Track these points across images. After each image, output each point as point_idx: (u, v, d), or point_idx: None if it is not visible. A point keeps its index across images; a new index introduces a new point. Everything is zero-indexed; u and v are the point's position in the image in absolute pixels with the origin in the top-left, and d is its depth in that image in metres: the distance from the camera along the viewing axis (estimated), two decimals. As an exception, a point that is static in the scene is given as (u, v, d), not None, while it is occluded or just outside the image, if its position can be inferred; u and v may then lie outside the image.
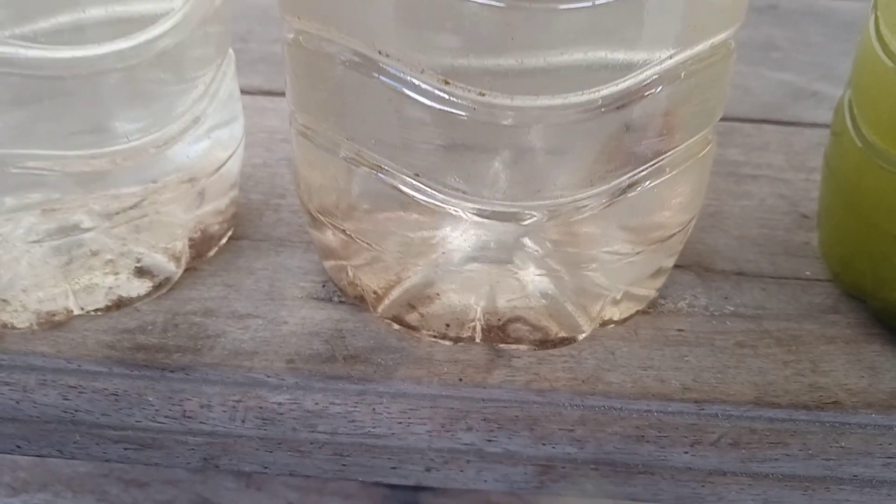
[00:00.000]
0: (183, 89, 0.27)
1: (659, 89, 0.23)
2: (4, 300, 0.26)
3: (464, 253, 0.26)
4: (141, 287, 0.28)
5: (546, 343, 0.27)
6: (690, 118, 0.25)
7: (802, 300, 0.30)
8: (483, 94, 0.22)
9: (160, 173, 0.27)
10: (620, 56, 0.22)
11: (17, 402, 0.25)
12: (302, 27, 0.24)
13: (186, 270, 0.29)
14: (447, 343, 0.27)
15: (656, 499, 0.27)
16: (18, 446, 0.26)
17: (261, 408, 0.26)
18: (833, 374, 0.27)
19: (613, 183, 0.24)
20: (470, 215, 0.24)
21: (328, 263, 0.29)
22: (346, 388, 0.26)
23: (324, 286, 0.29)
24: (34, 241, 0.26)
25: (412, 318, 0.27)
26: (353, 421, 0.26)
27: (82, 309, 0.27)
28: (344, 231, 0.27)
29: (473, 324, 0.27)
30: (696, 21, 0.23)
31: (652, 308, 0.29)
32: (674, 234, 0.28)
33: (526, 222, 0.25)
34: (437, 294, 0.27)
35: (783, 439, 0.26)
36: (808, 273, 0.31)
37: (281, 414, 0.26)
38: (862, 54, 0.28)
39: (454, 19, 0.21)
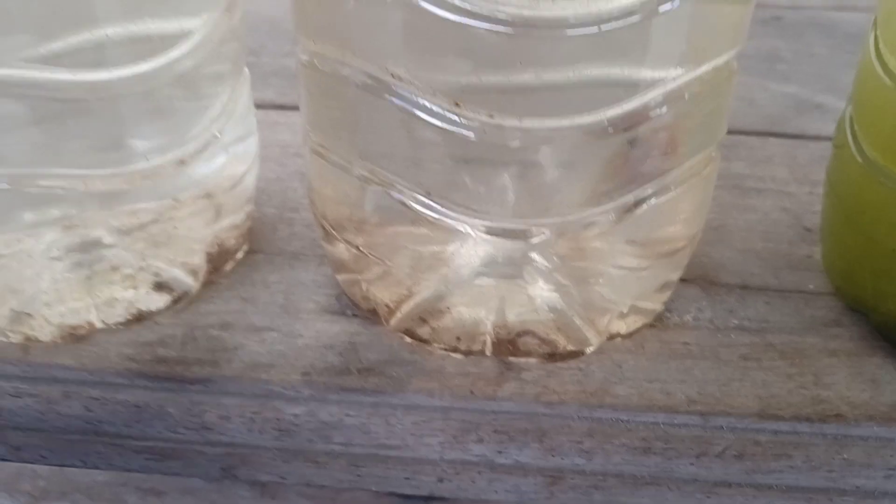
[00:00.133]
0: (201, 107, 0.28)
1: (663, 110, 0.24)
2: (28, 314, 0.27)
3: (473, 267, 0.27)
4: (160, 301, 0.29)
5: (555, 356, 0.28)
6: (694, 137, 0.26)
7: (805, 313, 0.30)
8: (492, 116, 0.22)
9: (178, 190, 0.28)
10: (626, 78, 0.23)
11: (42, 414, 0.26)
12: (317, 49, 0.25)
13: (204, 284, 0.30)
14: (458, 356, 0.28)
15: (663, 508, 0.28)
16: (43, 456, 0.27)
17: (278, 419, 0.26)
18: (835, 387, 0.27)
19: (619, 201, 0.25)
20: (479, 232, 0.25)
21: (341, 277, 0.30)
22: (361, 401, 0.26)
23: (337, 300, 0.30)
24: (55, 258, 0.27)
25: (424, 331, 0.28)
26: (368, 432, 0.26)
27: (103, 322, 0.28)
28: (356, 246, 0.28)
29: (484, 337, 0.27)
30: (700, 43, 0.24)
31: (658, 322, 0.30)
32: (680, 249, 0.29)
33: (534, 239, 0.25)
34: (448, 308, 0.27)
35: (787, 451, 0.26)
36: (811, 286, 0.31)
37: (297, 425, 0.26)
38: (862, 71, 0.29)
39: (464, 44, 0.22)
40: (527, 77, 0.22)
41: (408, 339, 0.28)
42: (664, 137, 0.24)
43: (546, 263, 0.27)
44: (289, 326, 0.28)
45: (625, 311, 0.28)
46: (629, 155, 0.24)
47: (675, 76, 0.24)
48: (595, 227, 0.26)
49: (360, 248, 0.28)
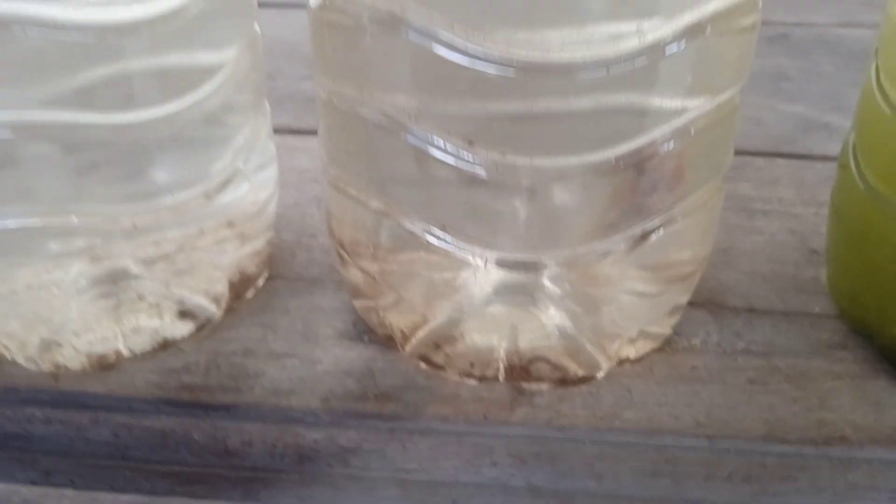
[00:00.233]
0: (226, 141, 0.29)
1: (670, 145, 0.25)
2: (57, 343, 0.28)
3: (486, 295, 0.28)
4: (184, 328, 0.30)
5: (566, 381, 0.28)
6: (700, 170, 0.26)
7: (811, 336, 0.31)
8: (504, 155, 0.23)
9: (203, 220, 0.29)
10: (633, 117, 0.24)
11: (72, 440, 0.27)
12: (335, 88, 0.26)
13: (226, 311, 0.31)
14: (472, 382, 0.28)
15: (672, 529, 0.29)
16: (72, 481, 0.28)
17: (298, 444, 0.27)
18: (840, 410, 0.28)
19: (627, 233, 0.26)
20: (491, 265, 0.26)
21: (358, 303, 0.31)
22: (378, 426, 0.27)
23: (354, 325, 0.31)
24: (83, 288, 0.28)
25: (438, 357, 0.29)
26: (385, 457, 0.27)
27: (130, 350, 0.29)
28: (371, 273, 0.29)
29: (497, 363, 0.28)
30: (704, 81, 0.25)
31: (667, 345, 0.30)
32: (690, 273, 0.30)
33: (545, 270, 0.26)
34: (462, 334, 0.28)
35: (792, 474, 0.27)
36: (816, 309, 0.32)
37: (317, 450, 0.27)
38: (864, 99, 0.29)
39: (476, 87, 0.23)
40: (537, 118, 0.23)
41: (423, 365, 0.29)
42: (670, 172, 0.25)
43: (558, 290, 0.27)
44: (308, 353, 0.29)
45: (634, 335, 0.29)
46: (637, 189, 0.25)
47: (681, 113, 0.24)
48: (606, 256, 0.26)
49: (375, 276, 0.29)
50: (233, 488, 0.28)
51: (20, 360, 0.28)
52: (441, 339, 0.29)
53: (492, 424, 0.27)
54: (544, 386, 0.28)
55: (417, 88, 0.24)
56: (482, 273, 0.27)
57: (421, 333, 0.29)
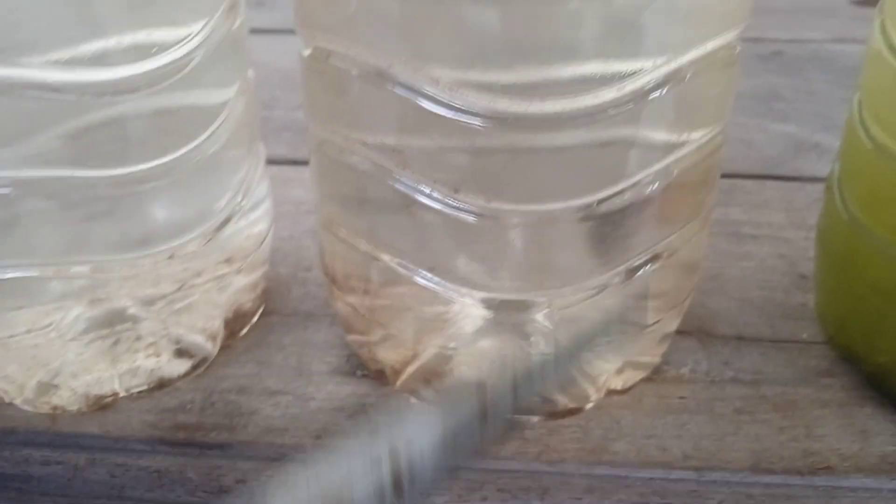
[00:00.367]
0: (223, 183, 0.30)
1: (653, 187, 0.25)
2: (55, 386, 0.29)
3: (476, 330, 0.28)
4: (180, 367, 0.30)
5: (556, 414, 0.29)
6: (684, 209, 0.27)
7: (799, 364, 0.31)
8: (489, 201, 0.24)
9: (202, 259, 0.30)
10: (616, 162, 0.24)
11: (69, 480, 0.28)
12: (325, 136, 0.27)
13: (222, 348, 0.31)
14: (463, 416, 0.29)
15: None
16: (70, 521, 0.29)
17: (292, 482, 0.28)
18: (826, 439, 0.28)
19: (612, 272, 0.26)
20: (479, 305, 0.27)
21: (350, 338, 0.31)
22: (370, 462, 0.28)
23: (348, 360, 0.31)
24: (82, 330, 0.29)
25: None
26: (377, 493, 0.28)
27: (126, 390, 0.29)
28: (361, 310, 0.29)
29: (487, 398, 0.29)
30: (686, 123, 0.25)
31: (656, 374, 0.31)
32: (678, 304, 0.30)
33: (533, 308, 0.27)
34: (451, 370, 0.29)
35: (778, 504, 0.27)
36: (804, 336, 0.32)
37: (310, 487, 0.28)
38: (847, 132, 0.30)
39: (461, 137, 0.23)
40: (520, 165, 0.24)
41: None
42: (654, 213, 0.26)
43: (548, 325, 0.28)
44: (302, 389, 0.30)
45: (620, 366, 0.29)
46: (621, 231, 0.25)
47: (663, 156, 0.25)
48: (595, 293, 0.27)
49: (364, 313, 0.29)
50: (228, 526, 0.29)
51: (18, 402, 0.29)
52: (431, 374, 0.29)
53: (482, 459, 0.28)
54: (534, 419, 0.29)
55: (403, 138, 0.24)
56: (471, 311, 0.28)
57: (411, 369, 0.29)
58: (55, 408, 0.29)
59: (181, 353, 0.30)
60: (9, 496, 0.28)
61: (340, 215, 0.28)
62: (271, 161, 0.43)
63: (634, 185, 0.25)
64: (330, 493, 0.17)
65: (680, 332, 0.32)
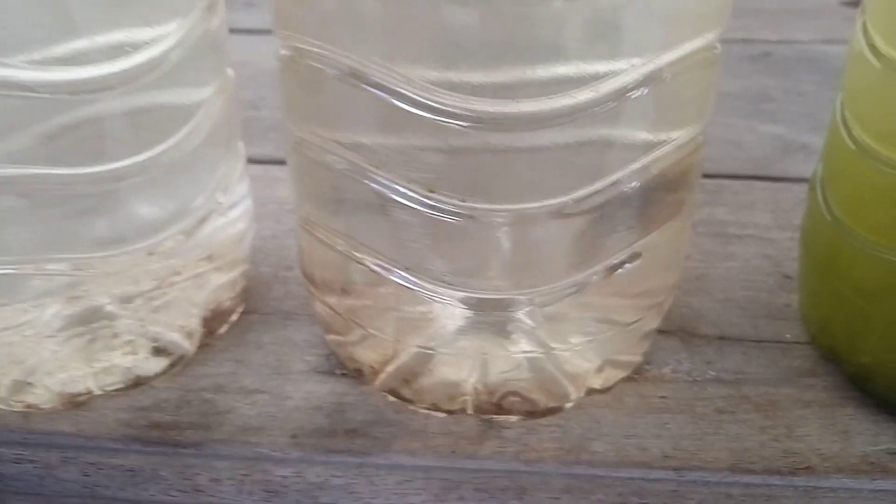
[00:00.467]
0: (201, 181, 0.29)
1: (632, 186, 0.25)
2: (30, 384, 0.28)
3: (456, 329, 0.28)
4: (157, 365, 0.30)
5: (535, 414, 0.29)
6: (664, 208, 0.27)
7: (781, 364, 0.31)
8: (464, 200, 0.24)
9: (181, 256, 0.29)
10: (593, 161, 0.24)
11: (41, 479, 0.27)
12: (301, 135, 0.26)
13: (200, 346, 0.31)
14: (441, 415, 0.29)
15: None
16: (43, 520, 0.28)
17: (266, 481, 0.27)
18: (807, 439, 0.28)
19: (590, 272, 0.26)
20: (459, 304, 0.26)
21: (329, 337, 0.31)
22: (346, 462, 0.27)
23: (327, 359, 0.31)
24: (58, 328, 0.28)
25: (407, 391, 0.29)
26: (353, 492, 0.27)
27: (102, 389, 0.29)
28: (338, 311, 0.29)
29: (466, 397, 0.29)
30: (665, 123, 0.25)
31: (637, 373, 0.31)
32: (660, 302, 0.30)
33: (512, 308, 0.26)
34: (431, 369, 0.29)
35: (758, 504, 0.27)
36: (787, 336, 0.32)
37: (285, 486, 0.27)
38: (830, 133, 0.30)
39: (436, 137, 0.23)
40: (495, 165, 0.23)
41: (392, 399, 0.29)
42: (633, 212, 0.25)
43: (530, 322, 0.28)
44: (279, 388, 0.30)
45: (600, 365, 0.29)
46: (598, 229, 0.25)
47: (641, 156, 0.25)
48: (574, 291, 0.27)
49: (342, 313, 0.29)
50: (203, 525, 0.29)
51: (-8, 400, 0.28)
52: (410, 374, 0.29)
53: (460, 458, 0.27)
54: (513, 418, 0.29)
55: (378, 138, 0.24)
56: (451, 310, 0.27)
57: (389, 368, 0.29)
58: (29, 406, 0.28)
59: (158, 351, 0.30)
60: (-20, 495, 0.28)
61: (317, 215, 0.28)
62: (258, 160, 0.43)
63: (612, 184, 0.25)
64: None
65: (663, 331, 0.32)
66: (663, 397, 0.30)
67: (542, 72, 0.22)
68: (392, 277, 0.26)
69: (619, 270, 0.27)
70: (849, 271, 0.28)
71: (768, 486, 0.27)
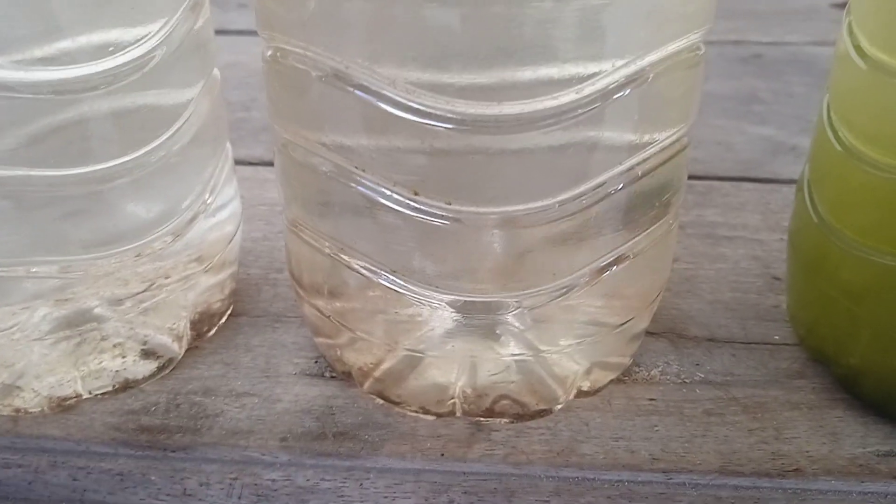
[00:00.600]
0: (188, 182, 0.29)
1: (617, 188, 0.25)
2: (18, 387, 0.28)
3: (444, 332, 0.28)
4: (146, 368, 0.30)
5: (524, 416, 0.29)
6: (649, 210, 0.27)
7: (770, 365, 0.31)
8: (449, 203, 0.24)
9: (171, 258, 0.29)
10: (578, 164, 0.24)
11: (30, 483, 0.27)
12: (287, 137, 0.26)
13: (189, 349, 0.31)
14: (430, 418, 0.29)
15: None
16: (32, 524, 0.28)
17: (256, 484, 0.27)
18: (796, 441, 0.28)
19: (577, 274, 0.26)
20: (447, 307, 0.26)
21: (318, 340, 0.31)
22: (336, 465, 0.27)
23: (316, 362, 0.31)
24: (47, 331, 0.28)
25: (396, 394, 0.29)
26: (342, 496, 0.27)
27: (90, 392, 0.29)
28: (326, 314, 0.29)
29: (454, 400, 0.29)
30: (649, 125, 0.25)
31: (626, 375, 0.31)
32: (649, 304, 0.30)
33: (500, 311, 0.26)
34: (420, 372, 0.29)
35: (746, 506, 0.27)
36: (776, 337, 0.32)
37: (275, 490, 0.27)
38: (816, 135, 0.30)
39: (420, 139, 0.23)
40: (479, 168, 0.23)
41: (381, 402, 0.29)
42: (619, 215, 0.26)
43: (518, 325, 0.28)
44: (269, 391, 0.30)
45: (588, 367, 0.29)
46: (585, 231, 0.25)
47: (626, 158, 0.25)
48: (557, 298, 0.27)
49: (330, 316, 0.29)
50: (192, 529, 0.28)
51: (-21, 404, 0.28)
52: (398, 377, 0.29)
53: (449, 461, 0.27)
54: (502, 421, 0.29)
55: (362, 140, 0.24)
56: (439, 313, 0.27)
57: (378, 371, 0.29)
58: (17, 410, 0.28)
59: (147, 353, 0.30)
60: (-32, 499, 0.28)
61: (305, 217, 0.28)
62: (248, 162, 0.43)
63: (598, 186, 0.25)
64: None
65: (651, 333, 0.32)
66: (652, 399, 0.30)
67: (526, 73, 0.22)
68: (379, 280, 0.26)
69: (607, 273, 0.27)
70: (836, 273, 0.28)
71: (757, 489, 0.27)
